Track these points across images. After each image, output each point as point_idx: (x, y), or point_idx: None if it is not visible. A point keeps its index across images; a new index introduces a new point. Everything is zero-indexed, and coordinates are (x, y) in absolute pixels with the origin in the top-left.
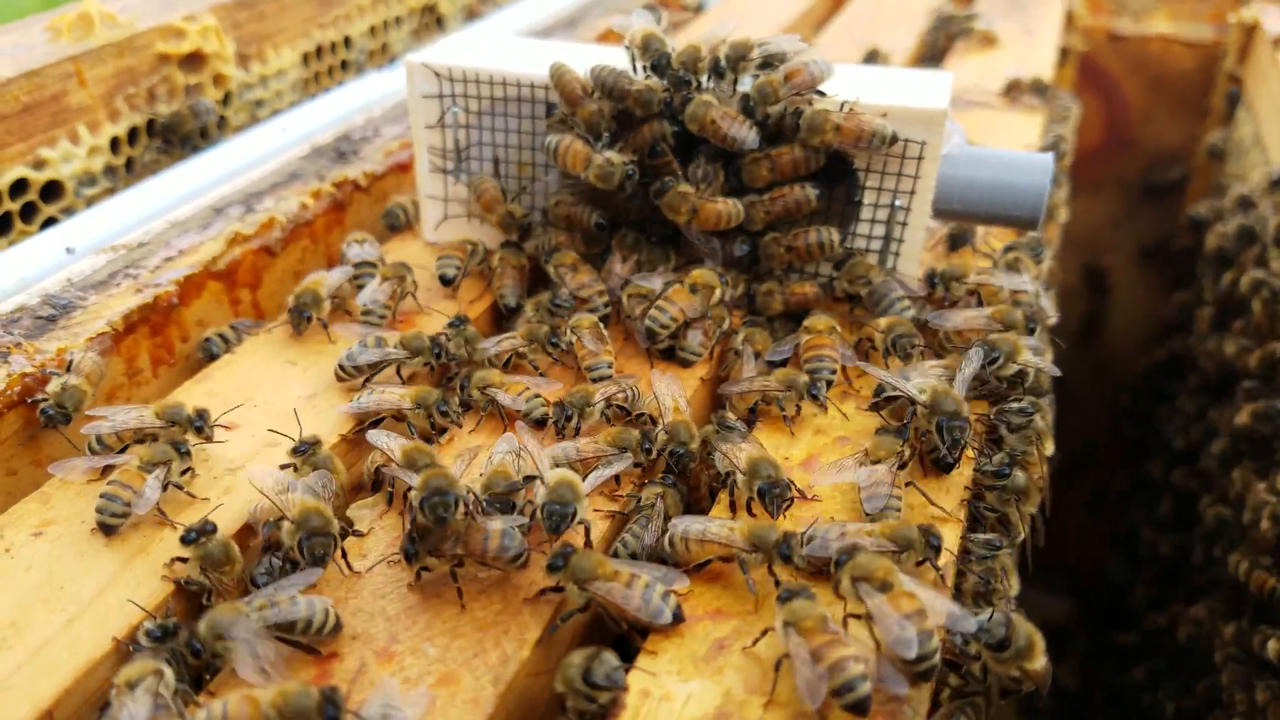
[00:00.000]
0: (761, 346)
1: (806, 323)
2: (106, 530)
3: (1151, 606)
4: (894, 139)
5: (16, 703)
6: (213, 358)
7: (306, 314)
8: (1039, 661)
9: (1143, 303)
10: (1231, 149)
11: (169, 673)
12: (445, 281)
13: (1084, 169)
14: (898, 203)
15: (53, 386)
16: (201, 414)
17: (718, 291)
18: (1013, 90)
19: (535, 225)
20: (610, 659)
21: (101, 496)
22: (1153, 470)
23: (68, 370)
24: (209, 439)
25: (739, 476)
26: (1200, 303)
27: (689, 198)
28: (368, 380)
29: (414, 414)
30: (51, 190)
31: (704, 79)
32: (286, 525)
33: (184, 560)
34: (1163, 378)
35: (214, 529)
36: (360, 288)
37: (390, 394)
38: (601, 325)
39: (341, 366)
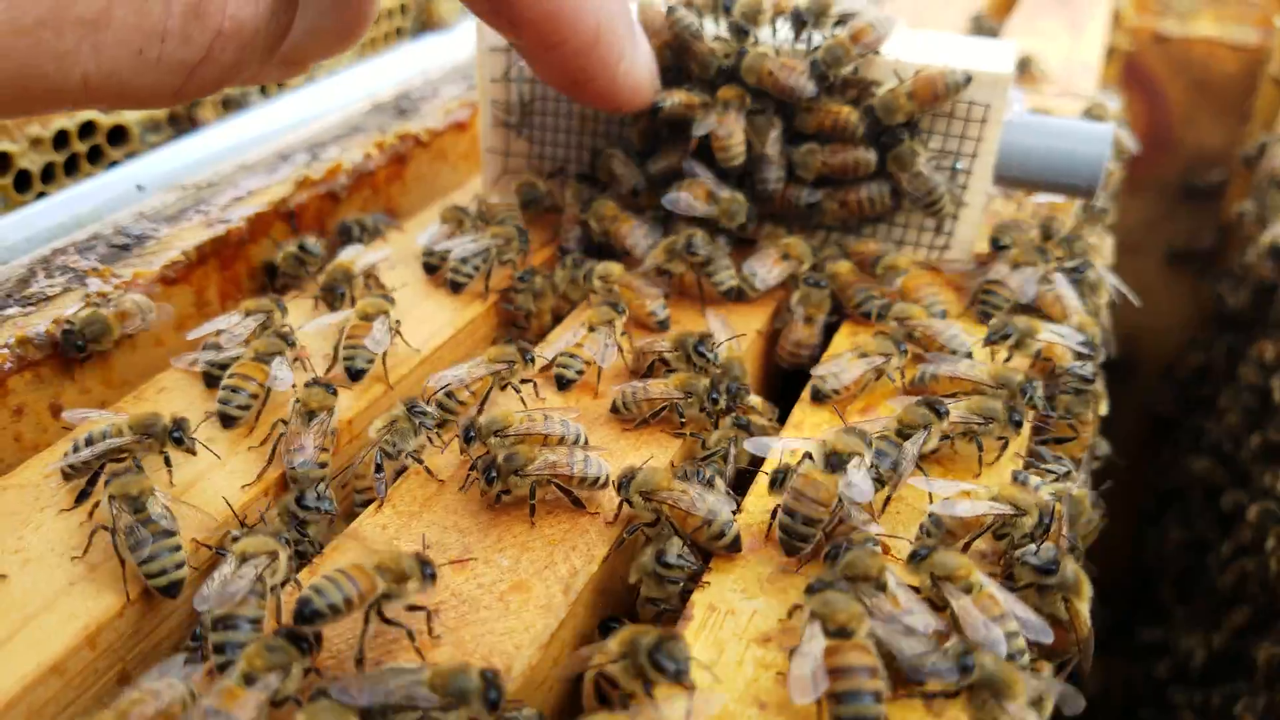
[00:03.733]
0: (816, 310)
1: (884, 262)
2: (227, 421)
3: (1180, 601)
4: (968, 79)
5: None
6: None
7: (340, 290)
8: (1085, 602)
9: (1172, 306)
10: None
11: (284, 557)
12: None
13: (1123, 169)
14: (959, 165)
15: (84, 313)
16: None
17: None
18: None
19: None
20: (678, 542)
21: (223, 388)
22: (1190, 468)
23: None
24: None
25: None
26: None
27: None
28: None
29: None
30: (118, 135)
31: (760, 32)
32: None
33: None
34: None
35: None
36: None
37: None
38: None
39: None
